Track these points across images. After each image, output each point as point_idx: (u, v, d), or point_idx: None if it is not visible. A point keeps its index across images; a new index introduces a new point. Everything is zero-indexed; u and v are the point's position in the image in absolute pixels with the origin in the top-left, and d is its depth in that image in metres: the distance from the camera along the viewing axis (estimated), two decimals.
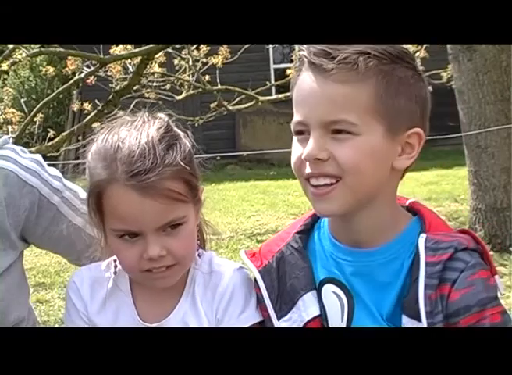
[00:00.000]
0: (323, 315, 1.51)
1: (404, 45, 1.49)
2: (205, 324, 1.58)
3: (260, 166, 13.31)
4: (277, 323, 1.52)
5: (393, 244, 1.47)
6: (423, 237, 1.43)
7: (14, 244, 1.76)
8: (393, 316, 1.44)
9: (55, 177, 1.81)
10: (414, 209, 1.53)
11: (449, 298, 1.39)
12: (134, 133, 1.52)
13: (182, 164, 1.50)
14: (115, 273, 1.64)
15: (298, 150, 1.45)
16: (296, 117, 1.45)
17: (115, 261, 1.63)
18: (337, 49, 1.41)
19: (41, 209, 1.78)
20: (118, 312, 1.62)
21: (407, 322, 1.41)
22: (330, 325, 1.50)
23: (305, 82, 1.43)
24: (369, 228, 1.48)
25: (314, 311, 1.50)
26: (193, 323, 1.59)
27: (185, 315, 1.59)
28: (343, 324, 1.48)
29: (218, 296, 1.58)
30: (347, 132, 1.40)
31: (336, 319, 1.49)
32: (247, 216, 8.77)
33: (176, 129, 1.58)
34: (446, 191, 9.56)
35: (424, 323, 1.38)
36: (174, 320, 1.59)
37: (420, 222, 1.49)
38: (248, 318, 1.58)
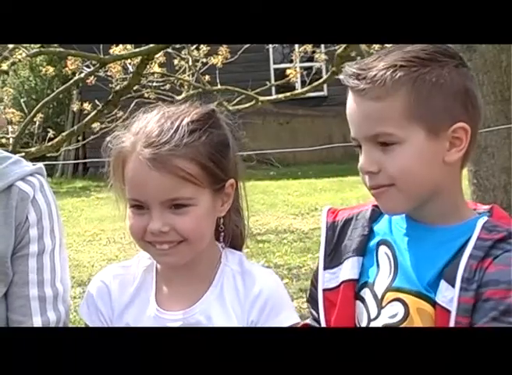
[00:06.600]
0: (361, 280, 1.59)
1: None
2: (232, 317, 1.60)
3: (260, 165, 13.31)
4: (322, 272, 1.63)
5: (454, 228, 1.53)
6: (484, 218, 1.51)
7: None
8: (434, 283, 1.50)
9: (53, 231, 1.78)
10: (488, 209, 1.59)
11: (486, 269, 1.44)
12: (171, 114, 1.58)
13: (199, 148, 1.54)
14: (145, 266, 1.67)
15: (359, 162, 1.55)
16: (351, 132, 1.55)
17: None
18: (367, 68, 1.49)
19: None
20: (142, 303, 1.65)
21: (442, 286, 1.48)
22: (379, 282, 1.57)
23: (349, 101, 1.54)
24: (432, 215, 1.55)
25: (352, 275, 1.60)
26: (217, 315, 1.61)
27: (210, 305, 1.61)
28: (389, 280, 1.56)
29: (253, 297, 1.60)
30: (391, 142, 1.48)
31: (384, 277, 1.58)
32: (247, 216, 8.76)
33: (219, 122, 1.62)
34: None
35: (456, 289, 1.44)
36: (198, 309, 1.61)
37: (488, 215, 1.55)
38: (287, 319, 1.60)
